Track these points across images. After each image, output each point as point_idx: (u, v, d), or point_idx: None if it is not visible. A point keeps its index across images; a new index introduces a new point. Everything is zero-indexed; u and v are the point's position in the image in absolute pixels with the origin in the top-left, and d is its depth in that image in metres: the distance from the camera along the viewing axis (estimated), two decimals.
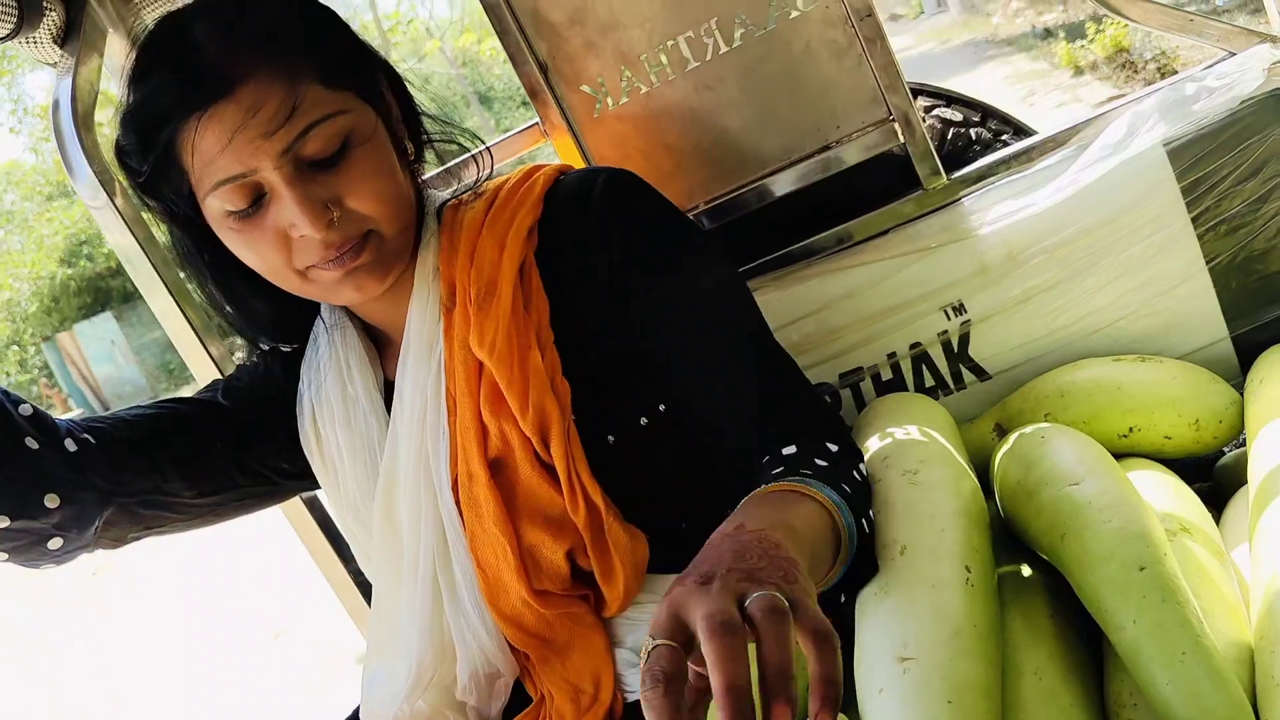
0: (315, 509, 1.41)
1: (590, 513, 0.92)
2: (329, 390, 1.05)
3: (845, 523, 0.78)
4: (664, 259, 0.95)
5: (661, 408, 0.97)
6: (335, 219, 0.87)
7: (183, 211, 0.93)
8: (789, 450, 0.88)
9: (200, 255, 0.98)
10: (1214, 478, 1.17)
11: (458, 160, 1.08)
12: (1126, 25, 6.52)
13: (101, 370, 19.10)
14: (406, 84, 1.00)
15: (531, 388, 0.91)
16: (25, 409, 0.93)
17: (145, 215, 1.27)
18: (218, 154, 0.84)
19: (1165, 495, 1.00)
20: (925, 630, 0.77)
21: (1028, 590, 0.90)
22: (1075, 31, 9.11)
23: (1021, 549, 0.96)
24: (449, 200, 1.03)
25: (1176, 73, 1.26)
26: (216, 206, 0.88)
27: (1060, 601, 0.88)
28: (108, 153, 1.24)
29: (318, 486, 1.12)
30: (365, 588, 1.41)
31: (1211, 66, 1.19)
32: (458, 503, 0.95)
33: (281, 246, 0.89)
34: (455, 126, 1.03)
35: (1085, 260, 1.19)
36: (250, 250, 0.91)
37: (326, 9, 0.94)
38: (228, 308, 1.03)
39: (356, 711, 1.08)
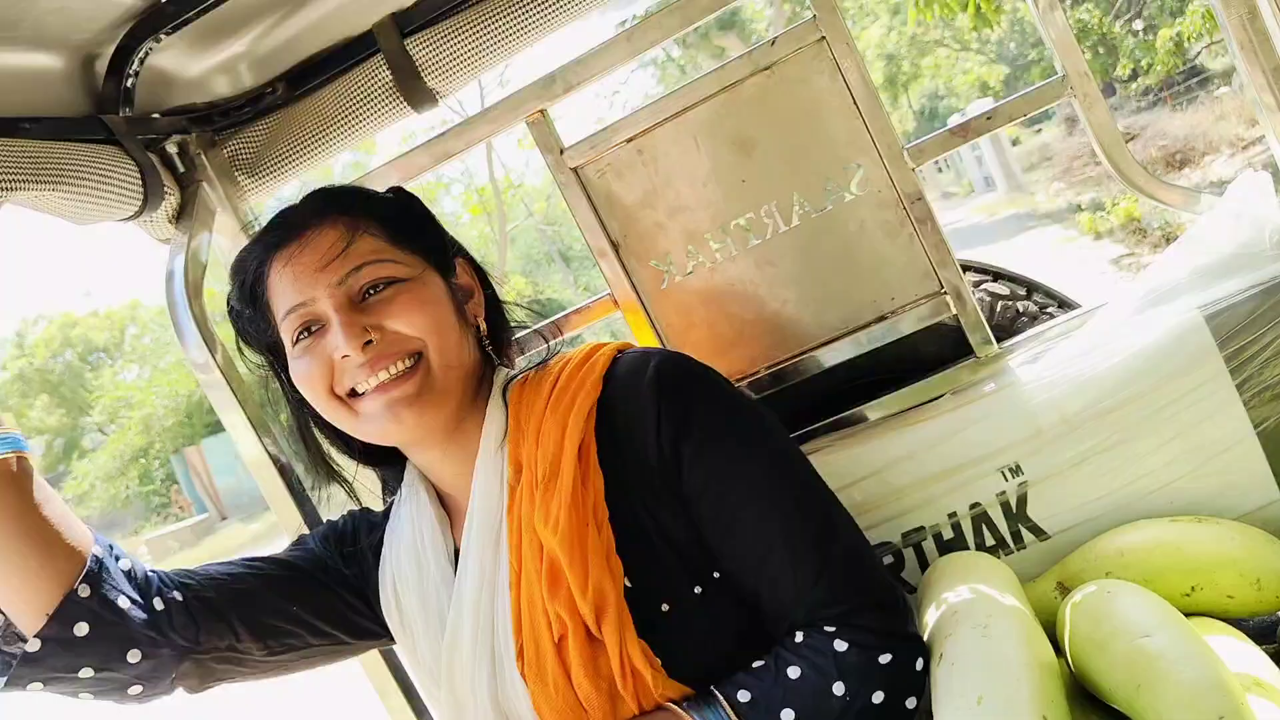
0: (390, 660, 1.43)
1: (637, 683, 0.94)
2: (404, 560, 1.11)
3: None
4: (713, 431, 0.99)
5: (715, 575, 0.99)
6: (375, 340, 0.98)
7: (275, 361, 1.08)
8: (798, 637, 0.94)
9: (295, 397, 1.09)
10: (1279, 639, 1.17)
11: (527, 330, 1.18)
12: (1137, 199, 7.16)
13: (223, 482, 20.97)
14: (489, 276, 1.13)
15: (591, 566, 0.95)
16: (124, 564, 1.01)
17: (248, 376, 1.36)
18: (286, 286, 1.00)
19: (1233, 652, 1.01)
20: None
21: None
22: (1096, 205, 10.99)
23: (1093, 702, 0.97)
24: (515, 376, 1.10)
25: (1178, 238, 1.34)
26: (288, 340, 1.02)
27: None
28: (212, 324, 1.36)
29: (384, 645, 1.18)
30: None
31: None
32: (522, 673, 0.98)
33: (327, 371, 1.00)
34: (534, 310, 1.17)
35: (1136, 424, 1.23)
36: (304, 378, 1.02)
37: (413, 201, 1.10)
38: (325, 445, 1.13)
39: None
